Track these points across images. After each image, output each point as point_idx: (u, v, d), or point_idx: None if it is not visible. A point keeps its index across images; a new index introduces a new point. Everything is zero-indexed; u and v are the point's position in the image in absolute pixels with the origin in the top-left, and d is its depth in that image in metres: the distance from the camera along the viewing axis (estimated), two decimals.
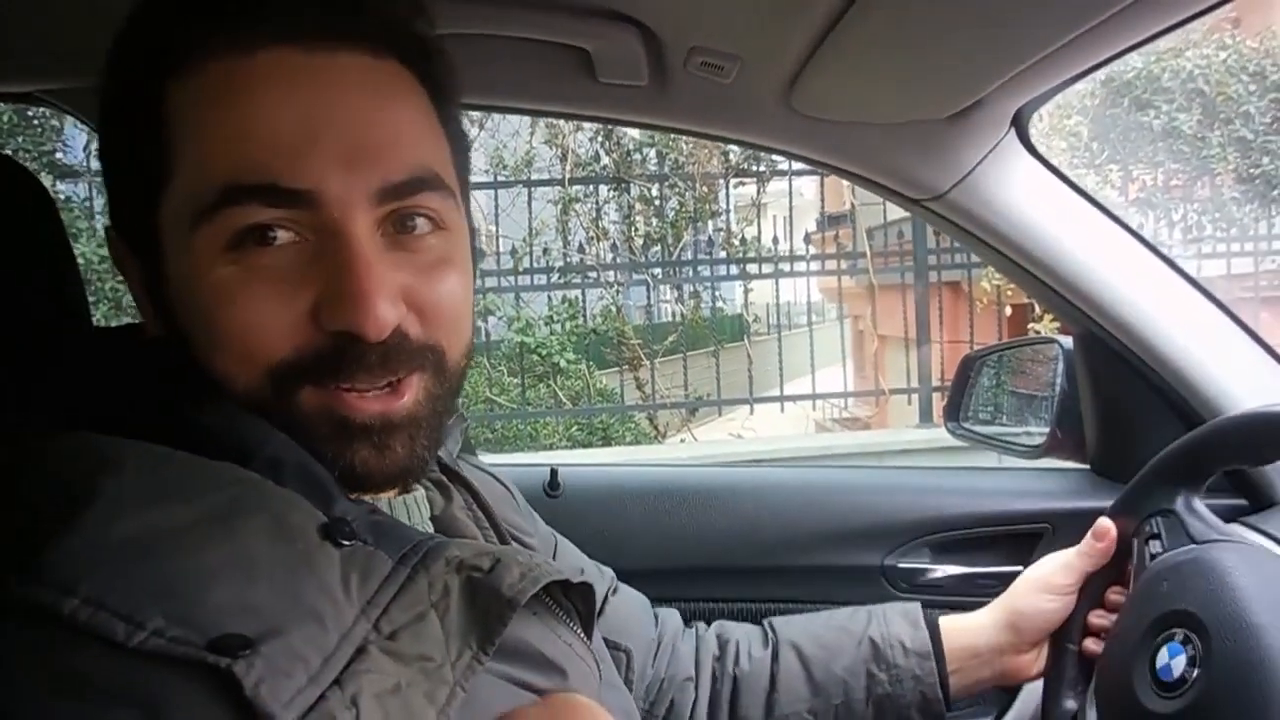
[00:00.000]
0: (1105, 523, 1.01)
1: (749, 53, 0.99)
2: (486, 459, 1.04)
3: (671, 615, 1.02)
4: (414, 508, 0.68)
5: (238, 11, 0.56)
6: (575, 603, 0.66)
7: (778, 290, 4.91)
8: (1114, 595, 1.01)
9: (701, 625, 1.06)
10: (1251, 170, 5.80)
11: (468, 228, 0.64)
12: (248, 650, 0.43)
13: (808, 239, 6.37)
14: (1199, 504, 0.99)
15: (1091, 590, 1.02)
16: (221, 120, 0.55)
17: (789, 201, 4.78)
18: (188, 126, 0.56)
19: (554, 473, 1.38)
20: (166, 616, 0.43)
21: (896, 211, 4.92)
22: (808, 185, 5.16)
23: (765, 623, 1.05)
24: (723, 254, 5.26)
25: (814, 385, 4.95)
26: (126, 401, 0.56)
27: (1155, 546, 0.97)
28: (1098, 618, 1.00)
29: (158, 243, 0.58)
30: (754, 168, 5.02)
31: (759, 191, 5.11)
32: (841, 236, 5.12)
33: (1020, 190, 1.18)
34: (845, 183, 5.44)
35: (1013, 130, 1.13)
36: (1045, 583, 1.00)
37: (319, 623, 0.46)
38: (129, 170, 0.60)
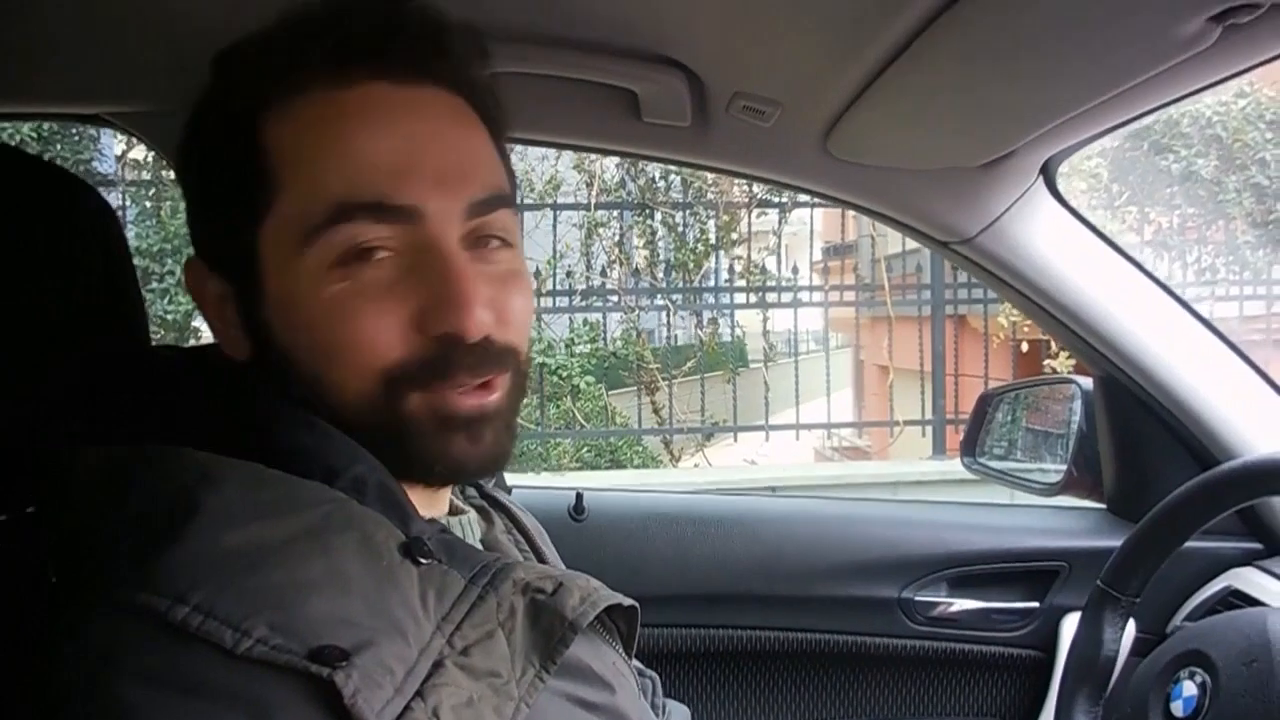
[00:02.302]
0: None
1: (790, 99, 1.01)
2: (509, 478, 1.05)
3: (679, 709, 1.02)
4: (468, 528, 0.70)
5: (329, 52, 0.60)
6: (619, 623, 0.68)
7: (796, 319, 4.93)
8: None
9: None
10: (1266, 216, 5.78)
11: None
12: (345, 661, 0.45)
13: (823, 269, 6.33)
14: None
15: None
16: (329, 146, 0.59)
17: (810, 230, 4.80)
18: (292, 155, 0.59)
19: (579, 497, 1.40)
20: (271, 626, 0.46)
21: (907, 243, 4.93)
22: (812, 215, 5.16)
23: None
24: (735, 282, 5.23)
25: (829, 414, 4.94)
26: (218, 420, 0.59)
27: None
28: None
29: (255, 264, 0.60)
30: (775, 198, 5.03)
31: (781, 221, 5.11)
32: (845, 267, 5.09)
33: (1045, 236, 1.20)
34: (851, 215, 5.45)
35: (1040, 179, 1.15)
36: None
37: (403, 637, 0.48)
38: (225, 199, 0.62)
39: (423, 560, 0.54)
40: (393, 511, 0.57)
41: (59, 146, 4.87)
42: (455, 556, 0.56)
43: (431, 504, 0.66)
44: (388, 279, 0.58)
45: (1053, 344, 4.81)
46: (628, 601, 0.64)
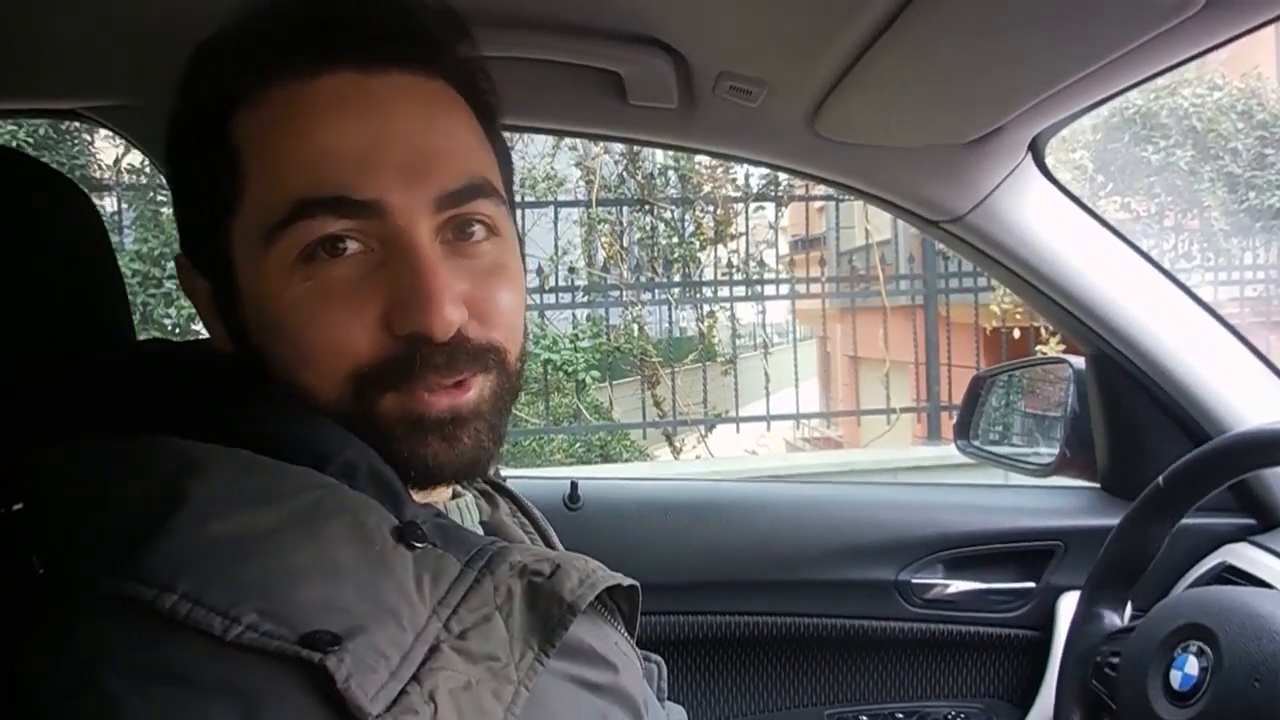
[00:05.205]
0: None
1: (776, 78, 0.97)
2: (502, 470, 1.01)
3: (675, 710, 0.99)
4: (466, 511, 0.67)
5: (298, 42, 0.56)
6: (620, 603, 0.66)
7: (794, 311, 4.90)
8: None
9: None
10: (1238, 204, 5.75)
11: (516, 238, 0.64)
12: (336, 646, 0.43)
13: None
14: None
15: None
16: (290, 140, 0.55)
17: (805, 220, 4.75)
18: (257, 149, 0.56)
19: (574, 485, 1.35)
20: (260, 612, 0.43)
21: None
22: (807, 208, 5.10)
23: None
24: (728, 276, 5.17)
25: (826, 404, 4.92)
26: (205, 409, 0.55)
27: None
28: None
29: (229, 263, 0.58)
30: (772, 192, 4.98)
31: (777, 215, 5.05)
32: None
33: (1035, 213, 1.15)
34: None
35: (1029, 155, 1.10)
36: None
37: (397, 621, 0.46)
38: (201, 196, 0.59)
39: (417, 545, 0.51)
40: (386, 496, 0.54)
41: (54, 152, 4.75)
42: (450, 540, 0.54)
43: (430, 490, 0.63)
44: (354, 277, 0.55)
45: (1042, 331, 4.77)
46: (627, 581, 0.62)
